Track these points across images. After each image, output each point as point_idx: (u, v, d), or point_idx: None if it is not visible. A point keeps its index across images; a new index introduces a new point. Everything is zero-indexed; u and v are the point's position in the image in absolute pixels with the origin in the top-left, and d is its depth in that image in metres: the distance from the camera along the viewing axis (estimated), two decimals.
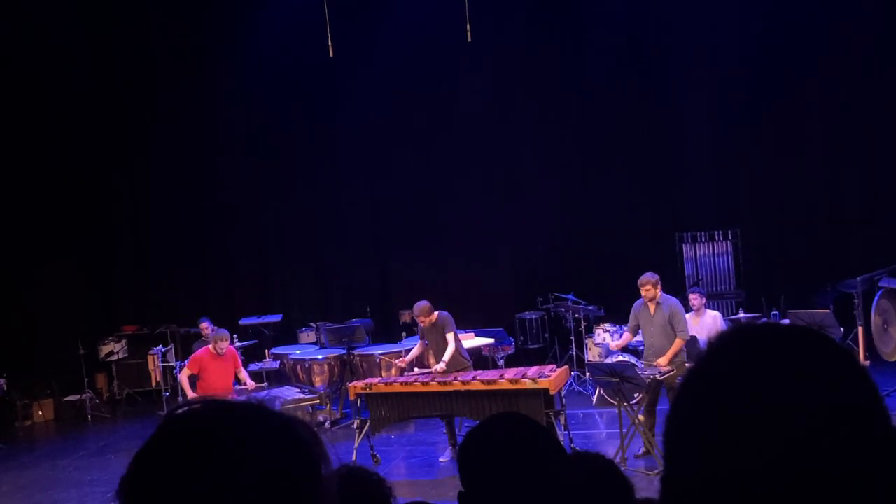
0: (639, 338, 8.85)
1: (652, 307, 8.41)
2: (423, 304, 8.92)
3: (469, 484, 2.02)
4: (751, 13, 12.51)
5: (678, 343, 8.27)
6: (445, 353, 8.79)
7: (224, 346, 9.62)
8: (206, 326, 11.09)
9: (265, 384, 10.42)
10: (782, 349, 0.92)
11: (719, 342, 0.96)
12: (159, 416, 8.81)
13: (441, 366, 8.73)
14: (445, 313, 9.00)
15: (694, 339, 8.51)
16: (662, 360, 8.23)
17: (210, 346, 9.69)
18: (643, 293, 8.40)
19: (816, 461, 0.85)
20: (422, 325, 8.99)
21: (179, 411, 1.03)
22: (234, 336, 11.42)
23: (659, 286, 8.38)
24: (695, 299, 9.38)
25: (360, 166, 13.94)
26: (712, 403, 0.91)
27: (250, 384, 9.88)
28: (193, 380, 9.66)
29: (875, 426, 0.89)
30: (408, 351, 10.93)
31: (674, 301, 8.51)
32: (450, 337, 8.84)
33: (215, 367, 9.59)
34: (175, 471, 0.96)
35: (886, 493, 0.86)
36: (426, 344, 9.23)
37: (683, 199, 13.07)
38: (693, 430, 0.92)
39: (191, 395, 9.47)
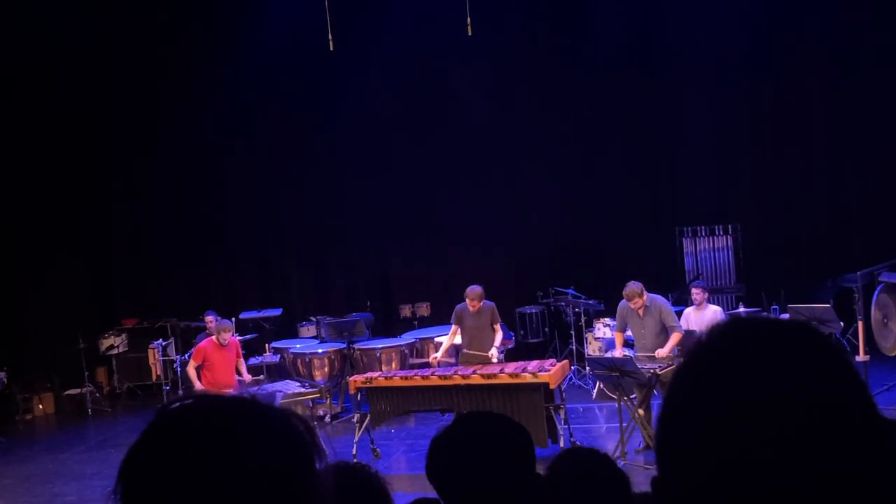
0: (629, 332, 8.89)
1: (641, 311, 8.45)
2: (478, 289, 9.13)
3: (445, 491, 1.99)
4: (753, 8, 12.48)
5: (676, 336, 8.32)
6: (495, 339, 9.12)
7: (227, 336, 9.62)
8: (210, 320, 11.08)
9: (262, 378, 10.39)
10: (769, 344, 0.92)
11: (707, 339, 0.96)
12: None
13: (493, 352, 9.01)
14: (492, 303, 9.25)
15: (693, 333, 8.51)
16: (663, 351, 8.27)
17: (213, 337, 9.68)
18: (632, 305, 8.45)
19: (802, 455, 0.85)
20: (472, 310, 9.11)
21: (172, 406, 1.03)
22: (236, 334, 11.42)
23: (644, 292, 8.42)
24: (697, 294, 9.38)
25: (361, 159, 13.93)
26: (700, 400, 0.91)
27: (247, 377, 9.88)
28: (198, 371, 9.67)
29: (860, 421, 0.89)
30: (410, 345, 10.99)
31: (661, 300, 8.56)
32: (497, 327, 9.19)
33: (219, 358, 9.59)
34: (168, 466, 0.96)
35: (871, 486, 0.86)
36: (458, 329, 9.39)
37: (684, 193, 13.06)
38: (682, 426, 0.92)
39: (199, 386, 9.48)
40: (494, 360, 8.94)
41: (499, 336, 9.16)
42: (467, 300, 9.14)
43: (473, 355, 9.04)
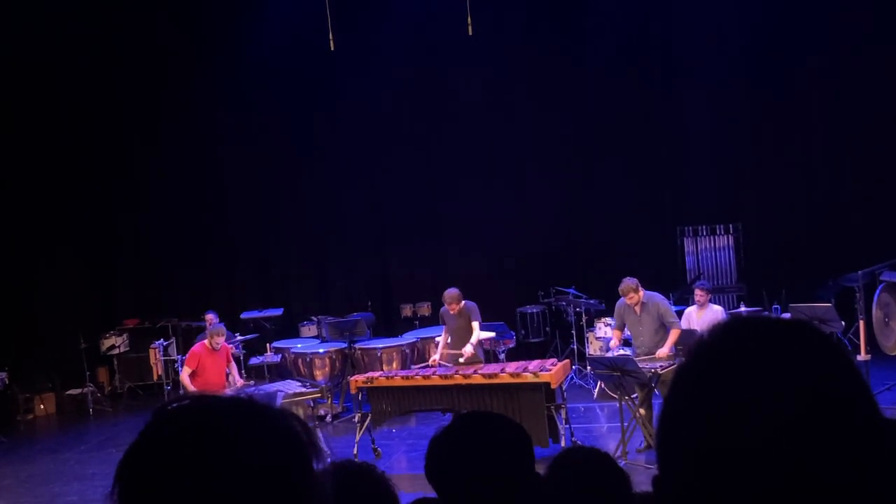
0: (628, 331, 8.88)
1: (638, 308, 8.44)
2: (453, 292, 9.24)
3: (444, 491, 1.98)
4: (753, 8, 12.48)
5: (675, 333, 8.33)
6: (472, 337, 9.16)
7: (220, 341, 9.59)
8: (210, 318, 11.09)
9: (252, 383, 10.36)
10: (770, 344, 0.92)
11: (708, 338, 0.96)
12: None
13: (468, 348, 9.05)
14: (472, 303, 9.32)
15: (694, 333, 8.50)
16: (664, 351, 8.27)
17: (206, 341, 9.68)
18: (628, 301, 8.45)
19: (803, 455, 0.85)
20: (452, 312, 9.23)
21: (169, 406, 1.03)
22: (237, 334, 11.43)
23: (640, 289, 8.42)
24: (700, 294, 9.39)
25: (362, 159, 13.94)
26: (700, 399, 0.91)
27: (239, 381, 9.84)
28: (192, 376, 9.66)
29: (861, 420, 0.88)
30: (411, 345, 11.00)
31: (658, 298, 8.56)
32: (475, 325, 9.24)
33: (211, 361, 9.58)
34: (165, 465, 0.96)
35: (872, 485, 0.86)
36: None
37: (685, 193, 13.06)
38: (683, 425, 0.92)
39: (192, 390, 9.45)
40: (466, 355, 8.99)
41: (475, 335, 9.20)
42: (445, 304, 9.25)
43: (451, 354, 9.24)
